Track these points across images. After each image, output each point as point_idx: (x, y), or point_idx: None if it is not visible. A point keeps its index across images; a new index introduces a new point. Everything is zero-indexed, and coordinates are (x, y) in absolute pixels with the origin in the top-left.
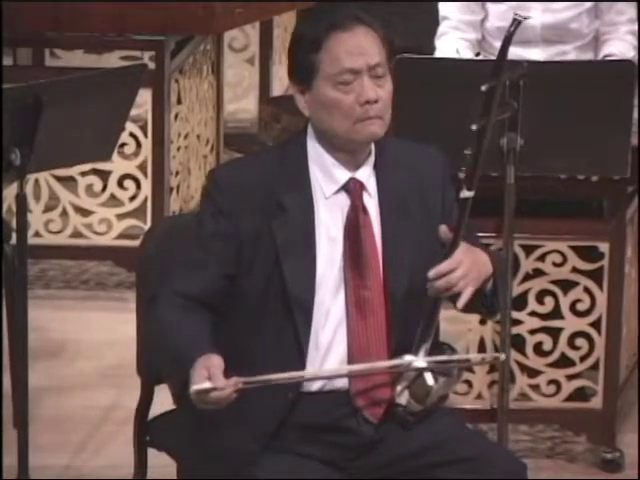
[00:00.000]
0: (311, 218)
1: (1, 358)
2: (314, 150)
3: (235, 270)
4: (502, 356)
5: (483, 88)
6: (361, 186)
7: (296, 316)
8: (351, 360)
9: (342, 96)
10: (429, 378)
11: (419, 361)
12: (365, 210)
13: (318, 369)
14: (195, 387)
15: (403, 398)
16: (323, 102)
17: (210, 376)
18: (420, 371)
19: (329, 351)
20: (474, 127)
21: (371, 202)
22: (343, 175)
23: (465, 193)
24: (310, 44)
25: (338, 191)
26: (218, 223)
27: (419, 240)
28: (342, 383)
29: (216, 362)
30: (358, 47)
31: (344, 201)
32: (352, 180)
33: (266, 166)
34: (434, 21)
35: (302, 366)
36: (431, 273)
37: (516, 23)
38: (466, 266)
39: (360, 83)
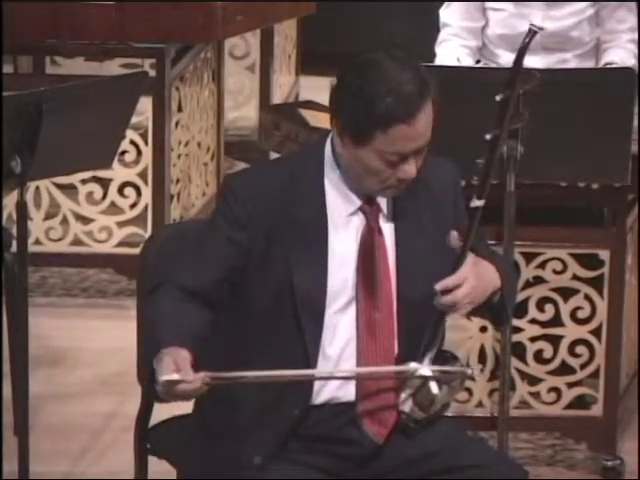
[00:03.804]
0: (325, 236)
1: (1, 366)
2: (332, 171)
3: (240, 280)
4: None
5: (497, 98)
6: (377, 208)
7: (305, 328)
8: (359, 377)
9: (383, 167)
10: (433, 386)
11: (424, 369)
12: (380, 231)
13: (293, 371)
14: (165, 377)
15: (407, 406)
16: (363, 163)
17: (179, 368)
18: (425, 380)
19: (337, 365)
20: (488, 137)
21: (386, 222)
22: (359, 196)
23: (475, 202)
24: (373, 121)
25: (354, 212)
26: (232, 230)
27: (433, 257)
28: (349, 396)
29: (184, 355)
30: (416, 135)
31: (360, 221)
32: (368, 201)
33: (282, 179)
34: (434, 28)
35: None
36: (438, 286)
37: (531, 33)
38: (471, 284)
39: (404, 162)
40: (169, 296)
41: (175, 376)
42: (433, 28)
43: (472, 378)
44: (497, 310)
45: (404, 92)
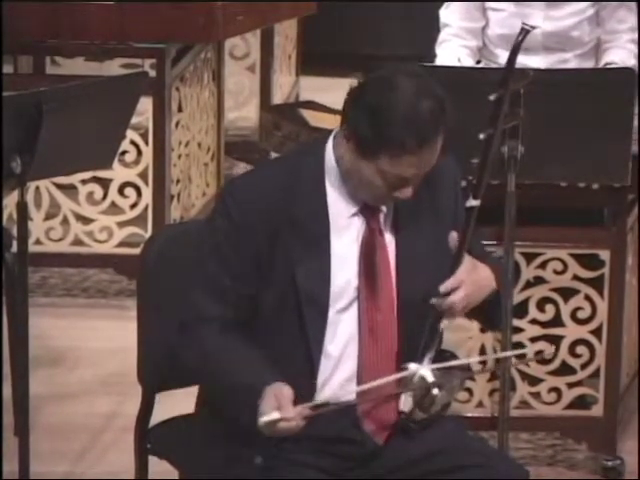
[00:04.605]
0: (327, 237)
1: (2, 366)
2: (333, 172)
3: (255, 286)
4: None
5: (491, 98)
6: (378, 208)
7: (309, 328)
8: (360, 377)
9: (380, 184)
10: (433, 387)
11: (423, 369)
12: (381, 232)
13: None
14: (264, 419)
15: (407, 406)
16: (362, 175)
17: (279, 406)
18: (425, 384)
19: (338, 364)
20: (481, 136)
21: (386, 221)
22: (360, 198)
23: (471, 202)
24: (384, 145)
25: (355, 213)
26: (237, 242)
27: (434, 257)
28: (349, 396)
29: (286, 392)
30: (422, 164)
31: (361, 222)
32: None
33: (283, 181)
34: (434, 28)
35: (313, 376)
36: (442, 288)
37: (524, 32)
38: (468, 287)
39: (403, 184)
40: (217, 333)
41: (275, 415)
42: (433, 28)
43: (473, 378)
44: (491, 312)
45: (419, 125)
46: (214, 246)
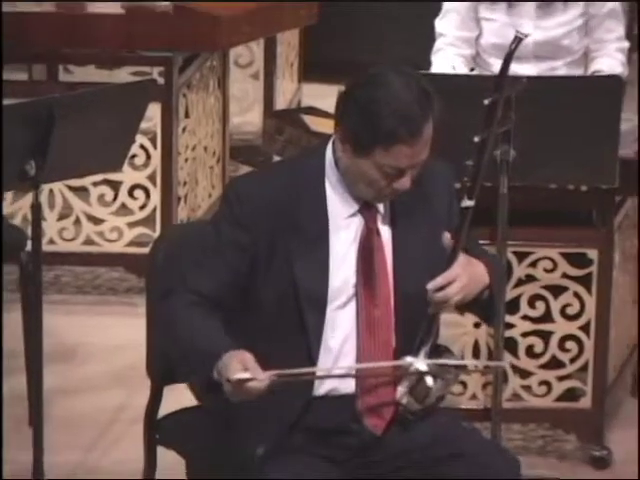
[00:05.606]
0: (326, 237)
1: (2, 362)
2: (332, 174)
3: (246, 282)
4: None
5: (486, 102)
6: (375, 209)
7: (308, 324)
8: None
9: (379, 177)
10: (429, 379)
11: (419, 362)
12: (378, 232)
13: (333, 368)
14: (236, 376)
15: (403, 398)
16: (360, 172)
17: (248, 368)
18: (421, 374)
19: (337, 359)
20: (476, 139)
21: (384, 222)
22: (358, 199)
23: (466, 202)
24: (376, 137)
25: (354, 214)
26: (235, 233)
27: (429, 256)
28: (349, 389)
29: (249, 356)
30: (415, 153)
31: (359, 222)
32: (367, 203)
33: (284, 182)
34: (430, 37)
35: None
36: (429, 285)
37: (517, 40)
38: (462, 281)
39: (400, 175)
40: (189, 302)
41: (246, 375)
42: (433, 37)
43: (468, 373)
44: (486, 307)
45: (408, 114)
46: (215, 236)
